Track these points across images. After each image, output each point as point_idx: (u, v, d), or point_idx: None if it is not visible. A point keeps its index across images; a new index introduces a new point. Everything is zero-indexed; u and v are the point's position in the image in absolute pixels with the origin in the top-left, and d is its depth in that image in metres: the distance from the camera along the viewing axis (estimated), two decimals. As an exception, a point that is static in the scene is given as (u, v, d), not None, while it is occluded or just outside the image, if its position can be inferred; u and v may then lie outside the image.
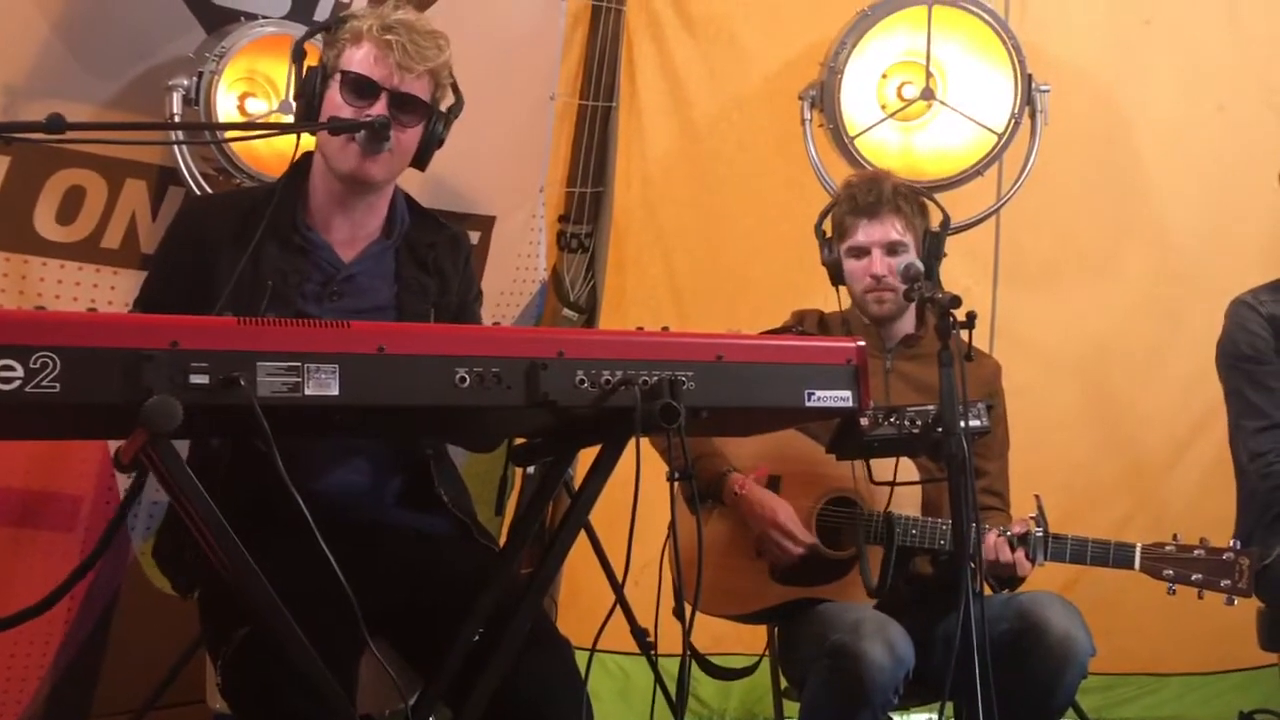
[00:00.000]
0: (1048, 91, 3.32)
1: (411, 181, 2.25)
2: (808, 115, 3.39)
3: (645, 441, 1.80)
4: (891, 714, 2.43)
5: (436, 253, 2.18)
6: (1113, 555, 2.35)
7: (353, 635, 1.60)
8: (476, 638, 1.84)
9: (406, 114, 2.06)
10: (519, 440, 2.00)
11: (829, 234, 2.66)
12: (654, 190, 3.95)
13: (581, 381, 1.64)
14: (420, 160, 2.14)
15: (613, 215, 3.90)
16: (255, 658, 1.76)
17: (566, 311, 3.88)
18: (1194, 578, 2.30)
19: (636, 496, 1.69)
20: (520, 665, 1.81)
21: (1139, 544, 2.35)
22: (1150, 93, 3.98)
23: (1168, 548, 2.33)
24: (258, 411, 1.47)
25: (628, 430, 1.66)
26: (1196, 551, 2.31)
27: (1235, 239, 3.83)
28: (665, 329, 1.75)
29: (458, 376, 1.58)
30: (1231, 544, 2.33)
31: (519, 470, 3.21)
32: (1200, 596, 2.33)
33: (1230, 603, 2.30)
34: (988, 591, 2.46)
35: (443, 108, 2.13)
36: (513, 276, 3.80)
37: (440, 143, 2.14)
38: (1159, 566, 2.32)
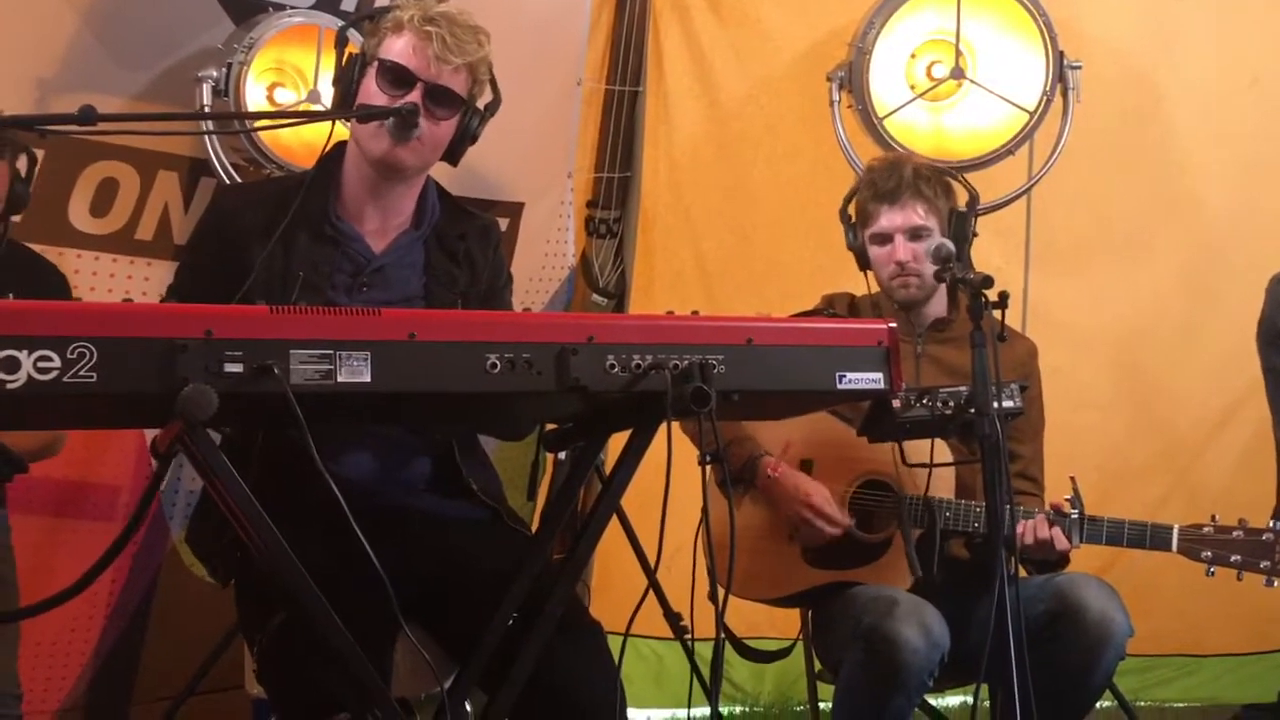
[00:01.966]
0: (1080, 68, 3.28)
1: (440, 169, 2.25)
2: (836, 96, 3.37)
3: (676, 426, 1.80)
4: (926, 697, 2.42)
5: (467, 243, 2.19)
6: (1150, 537, 2.33)
7: (387, 619, 1.62)
8: (510, 623, 1.85)
9: (441, 106, 2.07)
10: (550, 426, 2.00)
11: (854, 219, 2.64)
12: (681, 174, 3.94)
13: (612, 366, 1.64)
14: (453, 154, 2.15)
15: (640, 200, 3.89)
16: (291, 643, 1.78)
17: (595, 297, 3.89)
18: (1233, 559, 2.27)
19: (669, 481, 1.69)
20: (553, 650, 1.82)
21: (1176, 525, 2.32)
22: (1183, 68, 3.93)
23: (1205, 529, 2.30)
24: (291, 399, 1.48)
25: (659, 414, 1.66)
26: (1235, 533, 2.29)
27: (1271, 215, 3.78)
28: (695, 313, 1.75)
29: (489, 362, 1.59)
30: (1271, 524, 2.30)
31: (551, 455, 3.21)
32: (1239, 578, 2.31)
33: (1270, 584, 2.28)
34: (1023, 574, 2.45)
35: (479, 104, 2.13)
36: (542, 263, 3.80)
37: (474, 139, 2.15)
38: (1197, 548, 2.29)
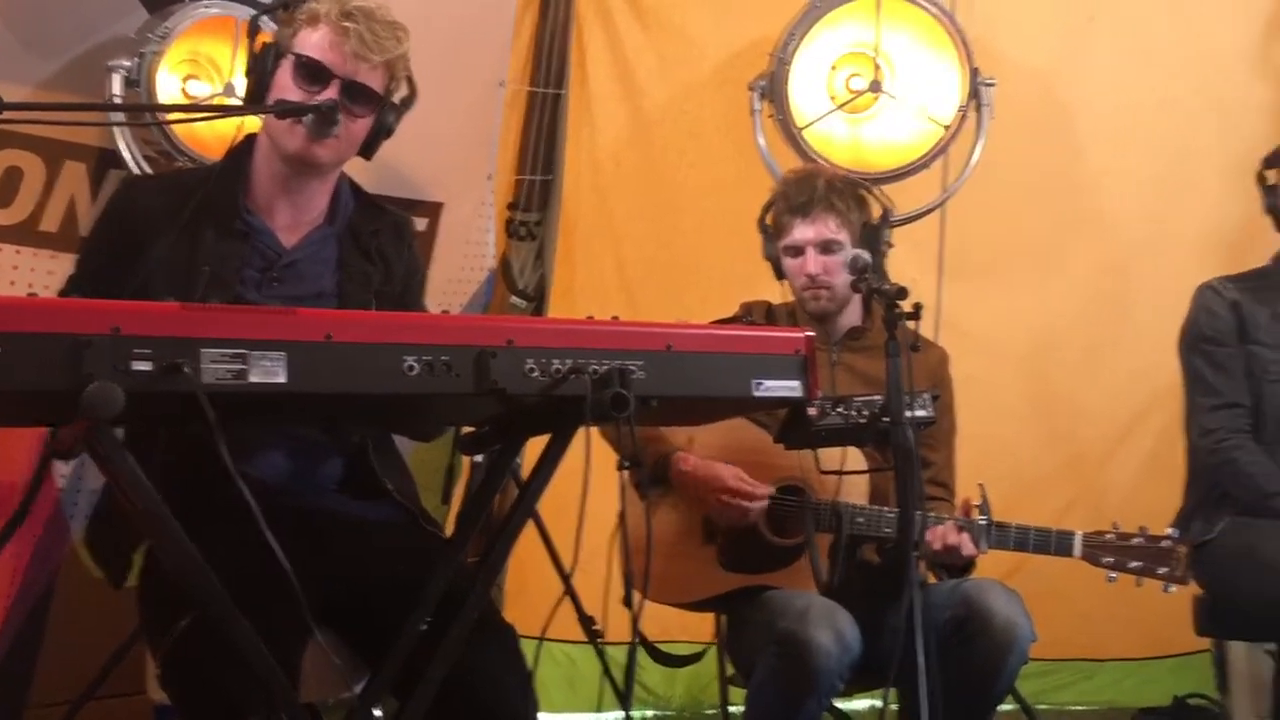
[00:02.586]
0: (993, 85, 3.36)
1: (357, 166, 2.23)
2: (757, 106, 3.40)
3: (595, 430, 1.80)
4: (835, 701, 2.45)
5: (380, 240, 2.16)
6: (1054, 543, 2.38)
7: (296, 623, 1.59)
8: (424, 627, 1.83)
9: (358, 104, 2.04)
10: (467, 429, 1.99)
11: (770, 229, 2.67)
12: (604, 178, 3.95)
13: (531, 370, 1.63)
14: (367, 149, 2.12)
15: (562, 203, 3.89)
16: (196, 648, 1.74)
17: (515, 300, 3.87)
18: (1132, 565, 2.33)
19: (586, 485, 1.69)
20: (466, 654, 1.81)
21: (1079, 532, 2.38)
22: (1094, 88, 4.04)
23: (1107, 536, 2.36)
24: (203, 399, 1.45)
25: (577, 419, 1.66)
26: (1135, 540, 2.35)
27: (1177, 234, 3.90)
28: (615, 318, 1.75)
29: (407, 364, 1.57)
30: (1169, 532, 2.37)
31: (467, 458, 3.19)
32: (1139, 584, 2.37)
33: (1167, 590, 2.34)
34: (934, 579, 2.50)
35: (395, 99, 2.11)
36: (461, 264, 3.78)
37: (389, 133, 2.12)
38: (1099, 554, 2.35)
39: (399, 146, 2.20)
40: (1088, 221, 4.06)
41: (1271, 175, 2.80)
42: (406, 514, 2.13)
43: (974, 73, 3.34)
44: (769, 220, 2.67)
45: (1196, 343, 2.82)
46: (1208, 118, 4.03)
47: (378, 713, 1.92)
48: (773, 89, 3.37)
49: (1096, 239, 4.07)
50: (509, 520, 1.82)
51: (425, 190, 3.58)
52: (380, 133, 2.10)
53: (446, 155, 3.62)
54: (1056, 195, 4.05)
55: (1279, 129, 3.11)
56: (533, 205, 3.86)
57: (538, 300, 3.88)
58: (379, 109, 2.07)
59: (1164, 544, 2.32)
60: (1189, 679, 3.88)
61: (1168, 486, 2.93)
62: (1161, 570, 2.32)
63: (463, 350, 1.60)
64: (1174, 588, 2.35)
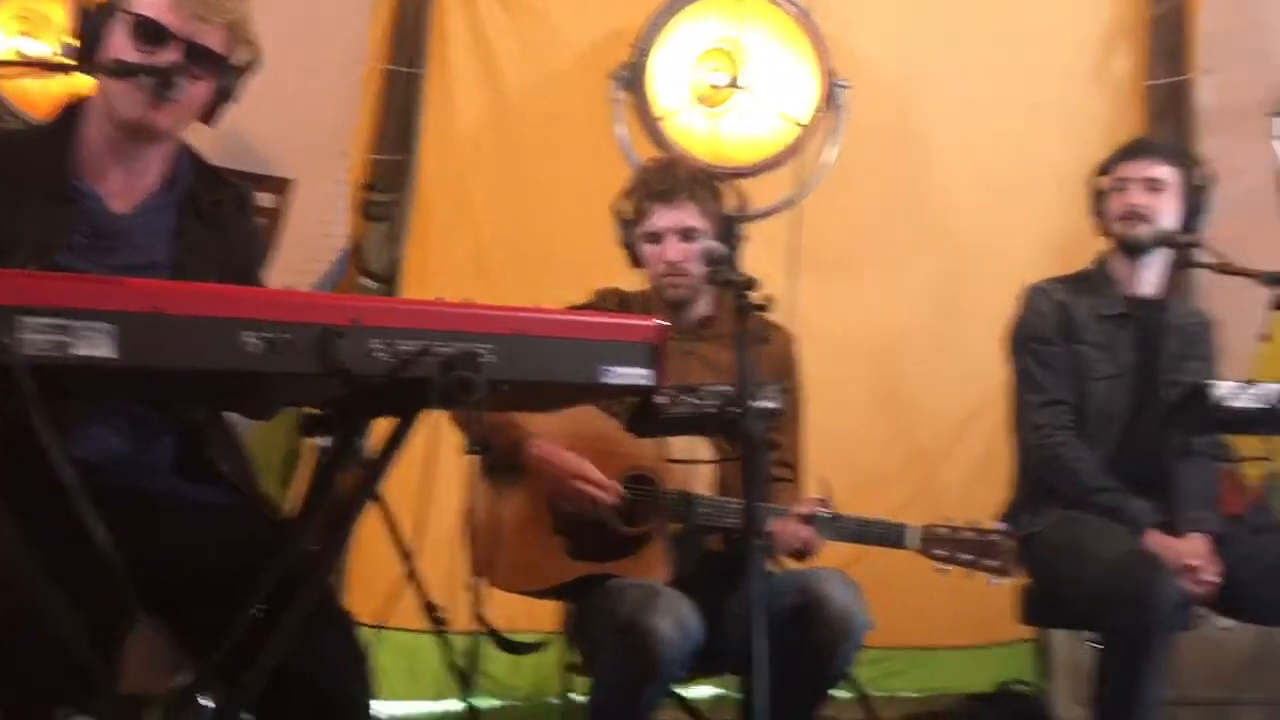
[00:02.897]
0: (849, 88, 3.44)
1: (203, 138, 2.14)
2: (618, 95, 3.42)
3: (443, 414, 1.77)
4: (676, 687, 2.48)
5: (221, 211, 2.08)
6: (892, 535, 2.45)
7: (120, 610, 1.52)
8: (258, 614, 1.77)
9: (199, 66, 1.95)
10: (309, 410, 1.93)
11: (627, 216, 2.67)
12: (462, 161, 3.90)
13: (377, 351, 1.59)
14: (209, 116, 2.04)
15: (418, 185, 3.82)
16: (10, 635, 1.64)
17: (366, 281, 3.79)
18: (963, 558, 2.41)
19: (430, 470, 1.66)
20: (301, 641, 1.76)
21: (916, 525, 2.45)
22: (943, 95, 4.17)
23: (941, 529, 2.44)
24: (21, 372, 1.37)
25: (424, 402, 1.63)
26: (967, 533, 2.43)
27: (1016, 242, 4.05)
28: (466, 300, 1.72)
29: (245, 341, 1.51)
30: (999, 526, 2.46)
31: (309, 441, 3.11)
32: (969, 576, 2.44)
33: (994, 581, 2.43)
34: (776, 568, 2.54)
35: (237, 62, 2.03)
36: (311, 243, 3.68)
37: (232, 99, 2.04)
38: (932, 547, 2.42)
39: (249, 119, 2.12)
40: (934, 224, 4.19)
41: (1101, 182, 2.93)
42: (242, 497, 2.06)
43: (830, 74, 3.42)
44: (627, 206, 2.67)
45: (1025, 341, 2.93)
46: (1049, 127, 4.21)
47: (206, 702, 1.86)
48: (633, 79, 3.38)
49: (942, 242, 4.20)
50: (351, 504, 1.78)
51: (275, 165, 3.48)
52: (223, 98, 2.02)
53: (299, 131, 3.52)
54: (906, 198, 4.17)
55: (1116, 140, 3.25)
56: (387, 185, 3.79)
57: (390, 283, 3.81)
58: (221, 72, 1.99)
59: (993, 538, 2.41)
60: (1013, 666, 4.05)
61: (998, 483, 3.04)
62: (990, 563, 2.40)
63: (306, 328, 1.54)
64: (1002, 580, 2.44)
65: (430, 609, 2.62)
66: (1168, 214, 2.83)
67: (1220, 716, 3.52)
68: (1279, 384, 2.29)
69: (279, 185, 3.50)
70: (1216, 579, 2.59)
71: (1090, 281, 2.94)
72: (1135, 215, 2.82)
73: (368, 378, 1.59)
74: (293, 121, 3.44)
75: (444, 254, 3.89)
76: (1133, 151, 2.90)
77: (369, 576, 3.59)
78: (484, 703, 3.85)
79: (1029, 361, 2.91)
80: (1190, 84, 4.31)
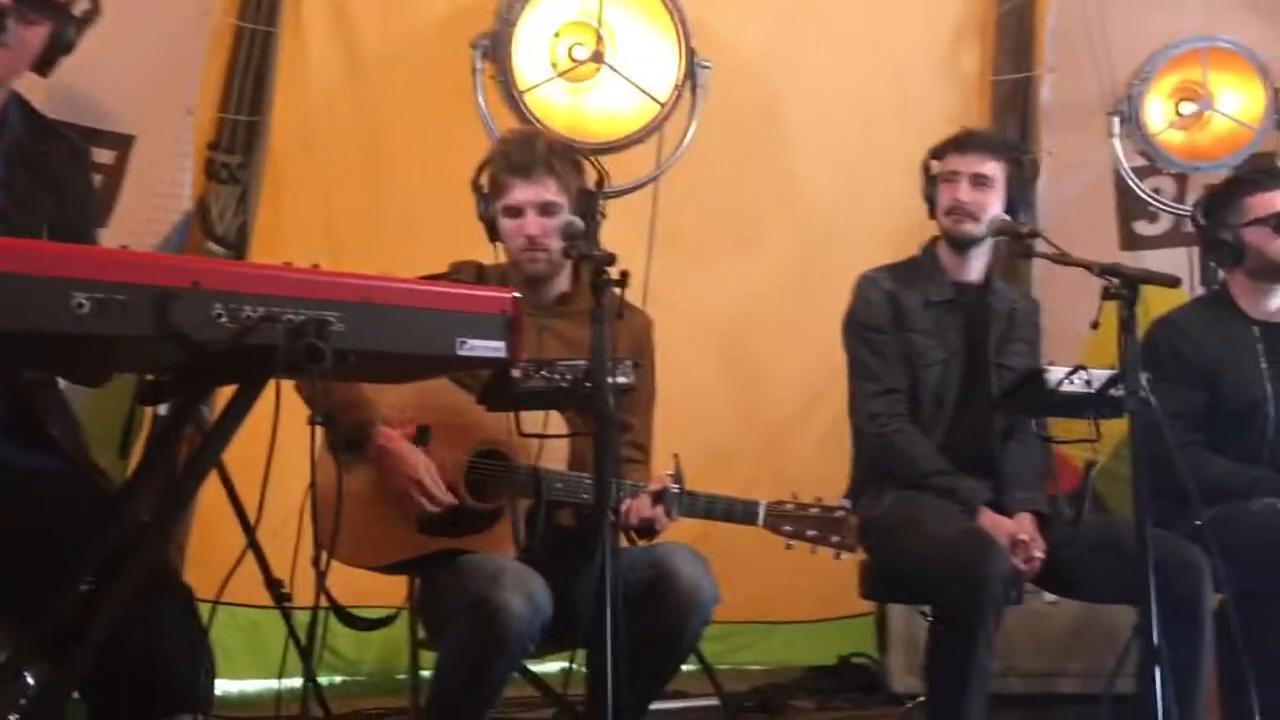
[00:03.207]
0: (709, 68, 3.46)
1: (37, 90, 2.03)
2: (479, 65, 3.36)
3: (290, 384, 1.72)
4: (526, 662, 2.48)
5: (53, 164, 1.97)
6: (740, 511, 2.49)
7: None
8: (88, 586, 1.69)
9: (33, 9, 1.85)
10: (147, 376, 1.85)
11: (486, 189, 2.64)
12: (315, 124, 3.79)
13: (219, 315, 1.52)
14: (44, 65, 1.93)
15: (269, 147, 3.70)
16: None
17: (212, 246, 3.65)
18: (809, 534, 2.47)
19: (274, 441, 1.61)
20: (135, 614, 1.69)
21: (763, 502, 2.50)
22: (799, 79, 4.25)
23: (787, 506, 2.49)
24: None
25: (268, 371, 1.57)
26: (812, 510, 2.48)
27: (865, 226, 4.16)
28: (315, 266, 1.67)
29: (75, 302, 1.43)
30: (843, 503, 2.52)
31: (148, 409, 2.99)
32: (813, 552, 2.50)
33: (838, 557, 2.49)
34: (626, 544, 2.55)
35: (75, 10, 1.93)
36: (152, 204, 3.52)
37: (68, 49, 1.94)
38: (779, 523, 2.47)
39: (87, 71, 2.03)
40: (788, 206, 4.27)
41: (934, 165, 3.00)
42: (72, 465, 1.97)
43: (691, 53, 3.43)
44: (486, 179, 2.64)
45: (857, 331, 3.00)
46: (899, 117, 4.33)
47: (29, 678, 1.77)
48: (496, 49, 3.34)
49: (793, 223, 4.28)
50: (188, 472, 1.71)
51: (114, 120, 3.32)
52: (58, 47, 1.92)
53: (141, 85, 3.37)
54: (761, 179, 4.23)
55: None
56: (236, 147, 3.65)
57: (237, 248, 3.68)
58: (57, 19, 1.89)
59: (838, 514, 2.47)
60: (853, 639, 4.18)
61: (845, 459, 3.12)
62: (834, 539, 2.46)
63: (141, 289, 1.47)
64: (844, 555, 2.50)
65: (273, 583, 2.55)
66: (993, 209, 2.90)
67: (1045, 685, 3.70)
68: (1108, 370, 2.40)
69: (119, 141, 3.34)
70: (1041, 555, 2.71)
71: (919, 269, 3.03)
72: (962, 211, 2.90)
73: (208, 344, 1.53)
74: (135, 75, 3.29)
75: (295, 220, 3.78)
76: (963, 145, 2.95)
77: (210, 550, 3.48)
78: (329, 679, 3.79)
79: (862, 350, 2.98)
80: (1035, 80, 4.49)
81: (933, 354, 2.92)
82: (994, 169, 2.91)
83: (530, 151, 2.56)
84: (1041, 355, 3.04)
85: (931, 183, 2.99)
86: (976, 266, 3.01)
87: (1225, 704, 2.73)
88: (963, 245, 2.96)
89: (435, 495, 2.42)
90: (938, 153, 2.99)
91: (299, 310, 1.58)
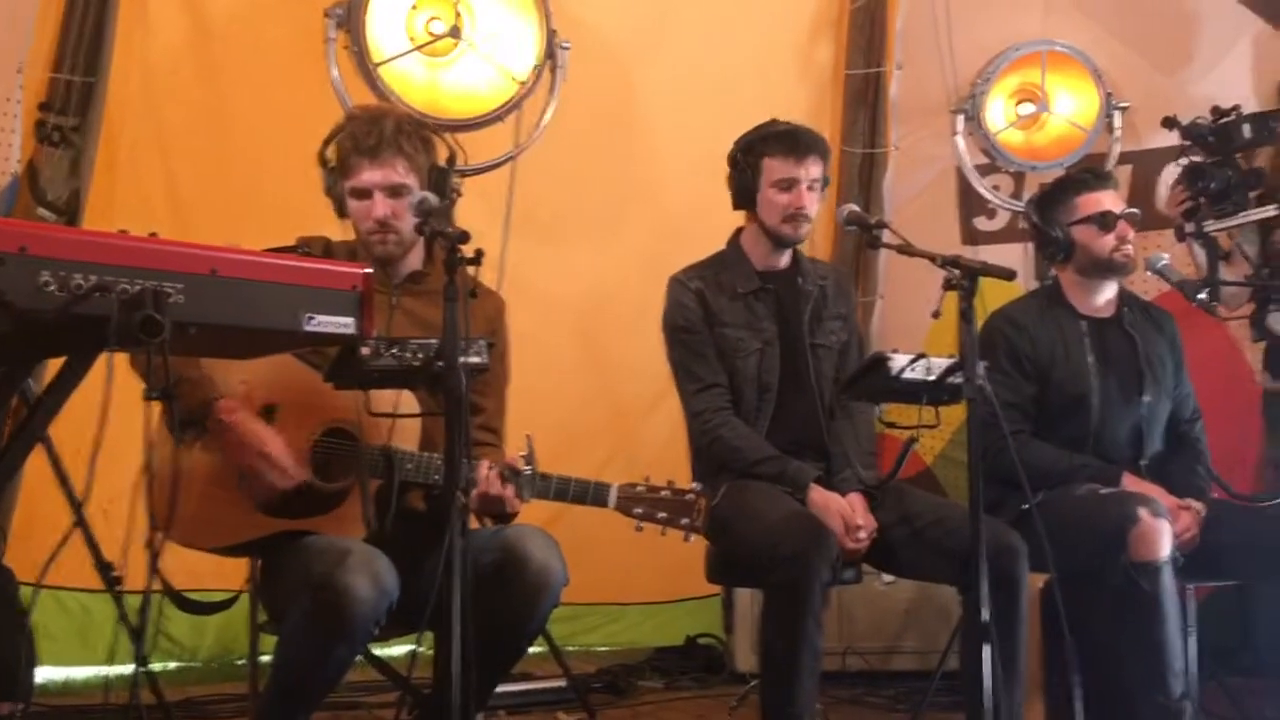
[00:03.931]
0: (569, 49, 3.44)
1: None
2: (333, 34, 3.28)
3: (122, 358, 1.65)
4: (371, 646, 2.43)
5: None
6: (592, 494, 2.48)
7: None
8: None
9: None
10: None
11: (333, 165, 2.56)
12: (157, 88, 3.64)
13: (47, 284, 1.46)
14: None
15: (105, 110, 3.53)
16: None
17: (42, 212, 3.47)
18: (659, 516, 2.48)
19: (105, 415, 1.54)
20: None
21: (615, 484, 2.50)
22: (660, 66, 4.28)
23: (639, 488, 2.50)
24: None
25: (99, 343, 1.51)
26: (664, 492, 2.50)
27: (722, 213, 4.20)
28: (153, 235, 1.61)
29: (-113, 265, 1.35)
30: (693, 486, 2.54)
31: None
32: (663, 533, 2.52)
33: (688, 539, 2.51)
34: (476, 525, 2.53)
35: None
36: (-25, 166, 3.34)
37: None
38: (631, 505, 2.48)
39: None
40: (644, 189, 4.29)
41: (771, 165, 2.98)
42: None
43: (551, 34, 3.41)
44: (333, 155, 2.56)
45: (674, 333, 3.05)
46: (755, 108, 4.35)
47: None
48: (350, 19, 3.25)
49: (650, 206, 4.31)
50: (11, 447, 1.63)
51: (-67, 76, 3.13)
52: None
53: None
54: (618, 162, 4.24)
55: (815, 124, 3.40)
56: (70, 109, 3.47)
57: (70, 215, 3.50)
58: None
59: (688, 496, 2.49)
60: (701, 620, 4.25)
61: (695, 445, 3.16)
62: (684, 521, 2.48)
63: (-40, 254, 1.40)
64: (694, 537, 2.52)
65: (103, 565, 2.45)
66: (815, 209, 2.99)
67: (882, 663, 3.84)
68: (948, 358, 2.48)
69: (-62, 98, 3.15)
70: (866, 537, 2.79)
71: (725, 263, 3.08)
72: (803, 217, 2.97)
73: (34, 312, 1.46)
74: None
75: (133, 187, 3.63)
76: (798, 149, 2.95)
77: (34, 530, 3.32)
78: (163, 665, 3.66)
79: (680, 352, 3.04)
80: (884, 76, 4.62)
81: (747, 344, 2.99)
82: (822, 169, 2.99)
83: (378, 132, 2.49)
84: (858, 321, 3.13)
85: (746, 175, 3.01)
86: (786, 254, 3.08)
87: (1048, 684, 2.87)
88: (792, 245, 3.03)
89: (286, 467, 2.34)
90: (765, 152, 2.97)
91: (135, 280, 1.52)
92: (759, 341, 2.99)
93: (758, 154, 2.99)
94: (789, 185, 2.95)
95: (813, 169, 2.96)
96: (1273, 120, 3.50)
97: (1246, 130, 3.49)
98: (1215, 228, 3.52)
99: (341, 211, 2.57)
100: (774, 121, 3.06)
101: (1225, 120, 3.52)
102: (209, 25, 3.62)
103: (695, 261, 3.10)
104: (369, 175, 2.49)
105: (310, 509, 2.41)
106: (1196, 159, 3.56)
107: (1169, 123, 3.56)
